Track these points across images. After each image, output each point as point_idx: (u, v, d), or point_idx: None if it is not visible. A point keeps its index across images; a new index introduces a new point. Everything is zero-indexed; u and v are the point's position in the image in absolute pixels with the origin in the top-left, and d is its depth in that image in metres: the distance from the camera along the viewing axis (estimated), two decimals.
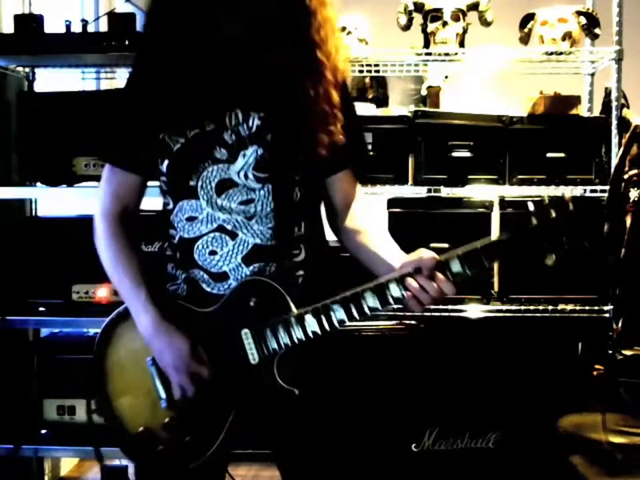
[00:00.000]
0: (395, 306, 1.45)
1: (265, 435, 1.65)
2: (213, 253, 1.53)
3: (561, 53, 2.87)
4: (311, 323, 1.46)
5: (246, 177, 1.52)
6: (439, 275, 1.41)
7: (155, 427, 1.53)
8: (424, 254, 1.44)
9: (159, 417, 1.53)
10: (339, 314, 1.45)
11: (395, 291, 1.43)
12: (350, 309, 1.45)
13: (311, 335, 1.46)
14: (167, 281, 1.60)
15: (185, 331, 1.51)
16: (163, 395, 1.53)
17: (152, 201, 1.78)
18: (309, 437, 1.60)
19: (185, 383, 1.50)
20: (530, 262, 1.42)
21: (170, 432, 1.52)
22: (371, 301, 1.44)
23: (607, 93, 2.94)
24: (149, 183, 1.65)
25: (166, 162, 1.55)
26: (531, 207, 1.39)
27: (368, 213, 1.67)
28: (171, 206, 1.58)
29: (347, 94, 1.63)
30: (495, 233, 2.77)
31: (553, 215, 1.38)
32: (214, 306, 1.52)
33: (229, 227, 1.52)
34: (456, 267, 1.41)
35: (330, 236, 1.70)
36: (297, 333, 1.47)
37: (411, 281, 1.42)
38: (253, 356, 1.49)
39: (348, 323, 1.46)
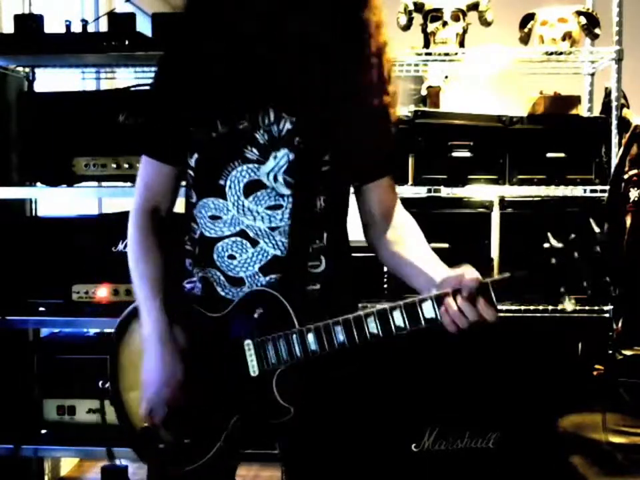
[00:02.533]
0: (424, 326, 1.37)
1: (265, 441, 1.65)
2: (231, 257, 1.51)
3: (561, 53, 2.87)
4: (312, 342, 1.43)
5: (275, 179, 1.48)
6: (481, 299, 1.33)
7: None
8: (467, 272, 1.36)
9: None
10: (340, 336, 1.41)
11: (428, 311, 1.37)
12: (352, 332, 1.41)
13: (310, 354, 1.44)
14: (184, 276, 1.58)
15: (188, 334, 1.50)
16: None
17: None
18: (308, 438, 1.59)
19: (161, 397, 1.48)
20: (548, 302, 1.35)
21: (170, 432, 1.52)
22: (373, 326, 1.39)
23: (607, 93, 2.94)
24: None
25: (195, 156, 1.52)
26: (553, 241, 1.31)
27: (408, 223, 1.61)
28: (194, 200, 1.55)
29: (387, 101, 1.56)
30: (495, 233, 2.78)
31: (576, 255, 1.32)
32: (222, 312, 1.51)
33: (251, 234, 1.49)
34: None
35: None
36: (297, 351, 1.44)
37: (449, 301, 1.34)
38: (253, 368, 1.47)
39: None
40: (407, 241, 1.56)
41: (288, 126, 1.48)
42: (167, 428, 1.51)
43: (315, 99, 1.47)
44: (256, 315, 1.47)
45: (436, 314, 1.36)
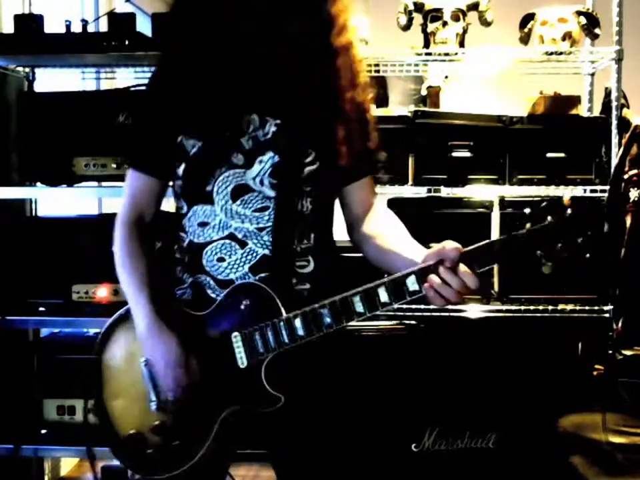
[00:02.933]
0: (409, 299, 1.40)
1: (258, 438, 1.64)
2: (221, 259, 1.53)
3: (561, 53, 2.87)
4: (299, 327, 1.45)
5: (262, 183, 1.51)
6: (462, 267, 1.36)
7: (144, 430, 1.53)
8: (447, 244, 1.39)
9: (149, 420, 1.53)
10: (327, 319, 1.44)
11: (412, 284, 1.40)
12: (338, 313, 1.43)
13: (298, 339, 1.45)
14: (175, 284, 1.60)
15: (178, 331, 1.51)
16: (153, 397, 1.52)
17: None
18: (305, 439, 1.59)
19: (176, 378, 1.49)
20: (527, 269, 1.37)
21: (159, 435, 1.52)
22: (359, 305, 1.42)
23: (607, 93, 2.94)
24: None
25: (182, 165, 1.55)
26: (527, 210, 1.35)
27: (386, 217, 1.64)
28: (185, 210, 1.58)
29: (367, 103, 1.61)
30: (495, 233, 2.78)
31: (549, 219, 1.34)
32: (209, 309, 1.52)
33: (239, 236, 1.52)
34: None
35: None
36: (285, 338, 1.46)
37: (432, 275, 1.37)
38: (242, 360, 1.49)
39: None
40: (387, 232, 1.59)
41: (273, 128, 1.52)
42: (156, 431, 1.52)
43: (297, 101, 1.51)
44: (242, 307, 1.49)
45: (419, 287, 1.39)
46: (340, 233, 1.70)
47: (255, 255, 1.51)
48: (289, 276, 1.53)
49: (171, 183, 1.62)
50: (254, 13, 1.49)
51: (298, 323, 1.45)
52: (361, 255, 1.64)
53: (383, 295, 1.41)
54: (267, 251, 1.51)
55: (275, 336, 1.46)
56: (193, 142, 1.52)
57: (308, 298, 1.52)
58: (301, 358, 1.51)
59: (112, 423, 1.58)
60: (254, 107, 1.52)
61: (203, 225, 1.54)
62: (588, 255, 1.32)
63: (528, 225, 1.35)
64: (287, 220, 1.52)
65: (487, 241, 1.38)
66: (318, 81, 1.52)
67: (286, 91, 1.51)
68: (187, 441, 1.51)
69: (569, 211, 1.33)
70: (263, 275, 1.51)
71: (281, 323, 1.46)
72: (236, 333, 1.49)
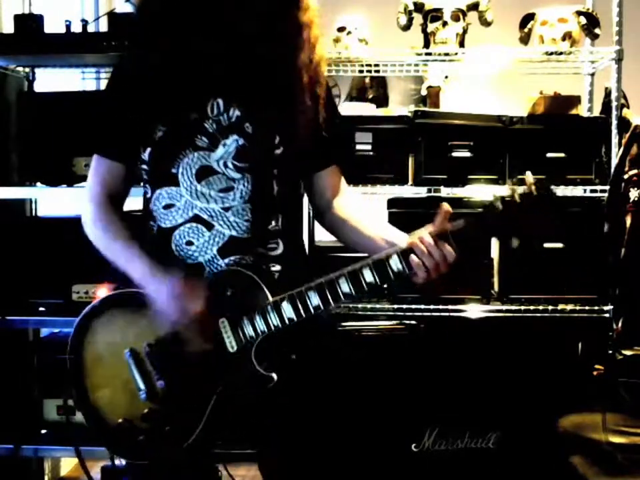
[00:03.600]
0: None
1: (250, 434, 1.65)
2: (189, 243, 1.55)
3: (561, 53, 2.87)
4: (288, 310, 1.48)
5: (225, 165, 1.54)
6: (444, 242, 1.43)
7: (134, 418, 1.54)
8: (430, 226, 1.47)
9: (138, 408, 1.53)
10: (314, 300, 1.47)
11: (396, 264, 1.45)
12: (325, 294, 1.46)
13: (287, 321, 1.48)
14: None
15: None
16: (142, 386, 1.53)
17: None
18: (302, 442, 1.60)
19: (187, 314, 1.48)
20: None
21: (150, 422, 1.53)
22: (345, 286, 1.46)
23: (607, 93, 2.94)
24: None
25: (148, 150, 1.57)
26: (496, 194, 1.44)
27: (360, 204, 1.69)
28: (149, 194, 1.60)
29: (330, 94, 1.67)
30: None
31: (516, 197, 1.42)
32: None
33: (204, 217, 1.54)
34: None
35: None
36: (274, 320, 1.48)
37: (413, 256, 1.44)
38: (231, 344, 1.51)
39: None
40: (364, 216, 1.64)
41: (237, 113, 1.55)
42: (146, 419, 1.52)
43: (261, 87, 1.54)
44: (228, 293, 1.51)
45: (403, 267, 1.45)
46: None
47: (222, 236, 1.53)
48: (259, 258, 1.54)
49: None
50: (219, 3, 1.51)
51: (286, 305, 1.48)
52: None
53: (368, 275, 1.46)
54: (233, 232, 1.53)
55: (264, 319, 1.49)
56: (158, 126, 1.54)
57: (279, 280, 1.54)
58: (290, 339, 1.53)
59: (99, 415, 1.58)
60: (219, 91, 1.54)
61: (168, 207, 1.56)
62: (554, 230, 1.43)
63: (499, 204, 1.43)
64: (255, 202, 1.54)
65: (462, 219, 1.46)
66: (282, 68, 1.54)
67: (249, 76, 1.53)
68: (179, 425, 1.52)
69: (533, 188, 1.41)
70: (232, 257, 1.52)
71: (269, 307, 1.49)
72: (223, 319, 1.51)
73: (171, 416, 1.52)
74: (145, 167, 1.59)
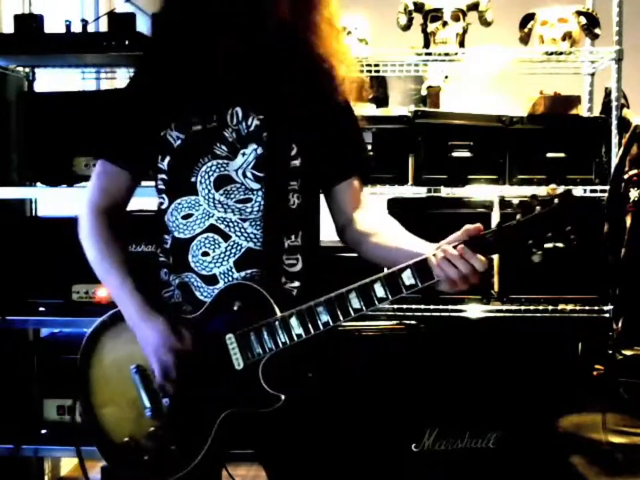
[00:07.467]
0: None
1: (256, 443, 1.62)
2: (205, 254, 1.52)
3: (561, 53, 2.87)
4: (296, 326, 1.44)
5: (244, 175, 1.51)
6: (466, 250, 1.39)
7: (139, 436, 1.51)
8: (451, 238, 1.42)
9: (143, 426, 1.51)
10: (323, 316, 1.43)
11: (408, 279, 1.40)
12: (335, 310, 1.42)
13: (295, 338, 1.44)
14: (161, 287, 1.59)
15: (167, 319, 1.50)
16: (147, 404, 1.50)
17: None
18: (304, 439, 1.58)
19: (168, 363, 1.46)
20: (517, 258, 1.40)
21: (155, 441, 1.50)
22: (355, 302, 1.41)
23: (607, 93, 2.94)
24: (144, 183, 1.64)
25: (167, 159, 1.54)
26: (516, 201, 1.38)
27: (380, 214, 1.64)
28: (165, 205, 1.56)
29: (348, 102, 1.62)
30: None
31: (537, 209, 1.36)
32: (200, 311, 1.50)
33: (221, 227, 1.51)
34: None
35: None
36: (282, 337, 1.45)
37: (435, 269, 1.39)
38: (238, 361, 1.47)
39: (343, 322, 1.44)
40: (385, 228, 1.58)
41: (256, 122, 1.52)
42: (151, 437, 1.50)
43: (280, 97, 1.51)
44: (235, 308, 1.47)
45: (416, 282, 1.39)
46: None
47: (239, 248, 1.50)
48: (278, 273, 1.51)
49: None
50: (242, 6, 1.48)
51: (294, 321, 1.44)
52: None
53: (379, 290, 1.41)
54: (251, 244, 1.50)
55: (271, 336, 1.45)
56: (177, 134, 1.52)
57: (298, 297, 1.51)
58: (298, 356, 1.50)
59: (104, 432, 1.56)
60: (238, 100, 1.52)
61: (187, 217, 1.53)
62: (575, 243, 1.36)
63: (518, 217, 1.37)
64: (274, 213, 1.51)
65: (482, 232, 1.42)
66: (302, 78, 1.52)
67: (270, 87, 1.52)
68: (185, 444, 1.49)
69: (556, 201, 1.35)
70: (250, 271, 1.49)
71: (276, 323, 1.45)
72: (230, 335, 1.48)
73: (177, 435, 1.50)
74: (163, 176, 1.56)
